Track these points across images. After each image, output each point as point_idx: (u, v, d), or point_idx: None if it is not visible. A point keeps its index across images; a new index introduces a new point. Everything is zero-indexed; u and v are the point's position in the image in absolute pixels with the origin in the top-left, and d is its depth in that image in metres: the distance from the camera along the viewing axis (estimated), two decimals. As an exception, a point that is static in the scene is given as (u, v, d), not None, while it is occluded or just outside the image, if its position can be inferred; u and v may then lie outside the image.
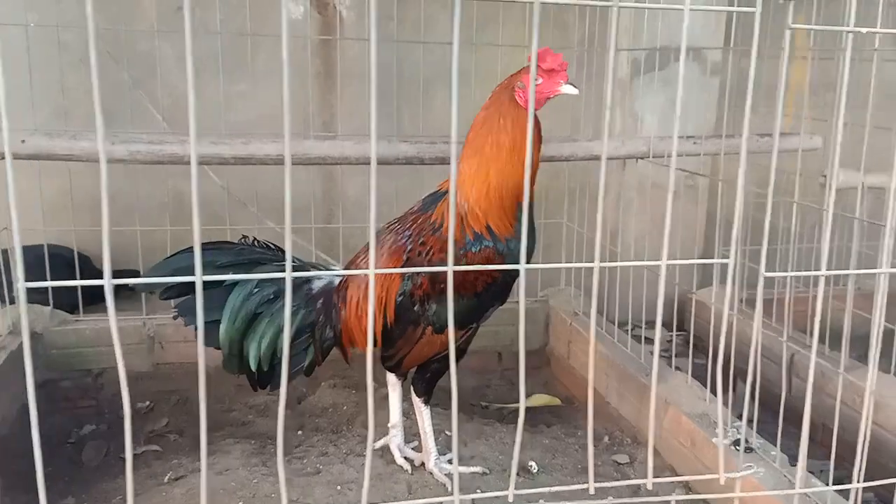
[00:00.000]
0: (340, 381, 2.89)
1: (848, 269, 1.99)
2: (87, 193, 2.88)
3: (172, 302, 1.91)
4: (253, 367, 1.96)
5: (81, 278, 2.76)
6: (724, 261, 0.96)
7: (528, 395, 2.99)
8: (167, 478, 2.17)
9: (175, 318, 1.91)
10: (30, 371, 0.87)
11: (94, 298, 2.86)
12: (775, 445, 2.00)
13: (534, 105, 1.81)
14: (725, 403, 2.25)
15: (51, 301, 2.79)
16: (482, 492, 2.05)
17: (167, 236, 2.77)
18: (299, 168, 2.68)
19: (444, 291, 1.88)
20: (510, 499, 1.04)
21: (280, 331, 1.88)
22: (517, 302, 3.29)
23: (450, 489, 2.03)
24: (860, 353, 2.15)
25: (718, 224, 2.57)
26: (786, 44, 0.96)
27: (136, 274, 2.92)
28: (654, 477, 2.33)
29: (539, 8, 0.85)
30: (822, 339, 2.54)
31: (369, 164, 2.53)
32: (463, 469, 2.13)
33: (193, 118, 0.82)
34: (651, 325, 3.48)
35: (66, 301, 2.87)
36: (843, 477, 1.78)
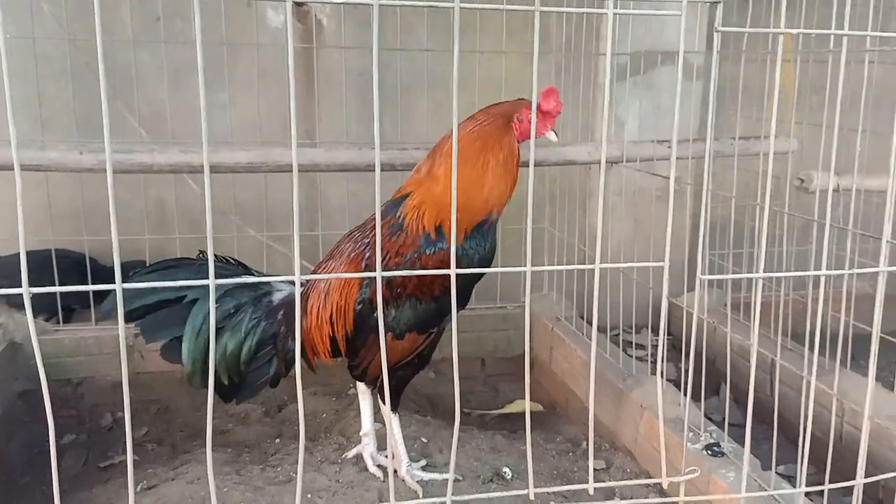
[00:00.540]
0: (322, 388, 2.89)
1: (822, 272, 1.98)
2: (67, 202, 2.91)
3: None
4: (224, 381, 1.96)
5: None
6: (659, 264, 0.96)
7: (509, 401, 3.00)
8: (139, 487, 2.16)
9: (136, 335, 1.92)
10: (43, 376, 0.89)
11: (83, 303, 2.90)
12: (767, 449, 1.99)
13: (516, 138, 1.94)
14: (698, 408, 2.25)
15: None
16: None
17: (146, 245, 2.79)
18: (283, 176, 2.69)
19: (400, 296, 1.89)
20: (531, 496, 1.04)
21: (242, 342, 1.89)
22: (502, 307, 3.26)
23: (421, 496, 2.03)
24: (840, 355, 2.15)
25: (696, 228, 2.57)
26: (715, 46, 0.96)
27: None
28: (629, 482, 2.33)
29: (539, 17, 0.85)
30: (799, 342, 2.54)
31: (340, 170, 2.53)
32: (435, 476, 2.12)
33: (205, 129, 0.83)
34: (636, 329, 3.47)
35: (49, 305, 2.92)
36: (819, 482, 1.78)
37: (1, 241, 2.70)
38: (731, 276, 1.05)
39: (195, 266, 1.95)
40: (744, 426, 2.21)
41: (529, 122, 1.86)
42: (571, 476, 2.32)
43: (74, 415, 2.77)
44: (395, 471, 2.15)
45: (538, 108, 1.89)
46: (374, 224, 1.95)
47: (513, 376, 3.20)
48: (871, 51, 1.67)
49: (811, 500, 1.86)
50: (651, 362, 2.72)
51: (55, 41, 3.02)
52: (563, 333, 3.00)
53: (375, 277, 1.81)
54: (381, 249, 1.88)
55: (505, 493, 1.06)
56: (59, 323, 2.91)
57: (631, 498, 2.17)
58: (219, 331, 1.90)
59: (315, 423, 2.64)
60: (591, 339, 2.84)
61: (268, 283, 1.98)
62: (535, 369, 3.20)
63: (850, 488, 1.46)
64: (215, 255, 2.05)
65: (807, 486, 1.64)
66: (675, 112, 0.95)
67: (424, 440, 2.40)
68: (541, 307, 3.23)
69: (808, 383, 1.75)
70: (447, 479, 2.12)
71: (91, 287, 0.89)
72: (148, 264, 2.07)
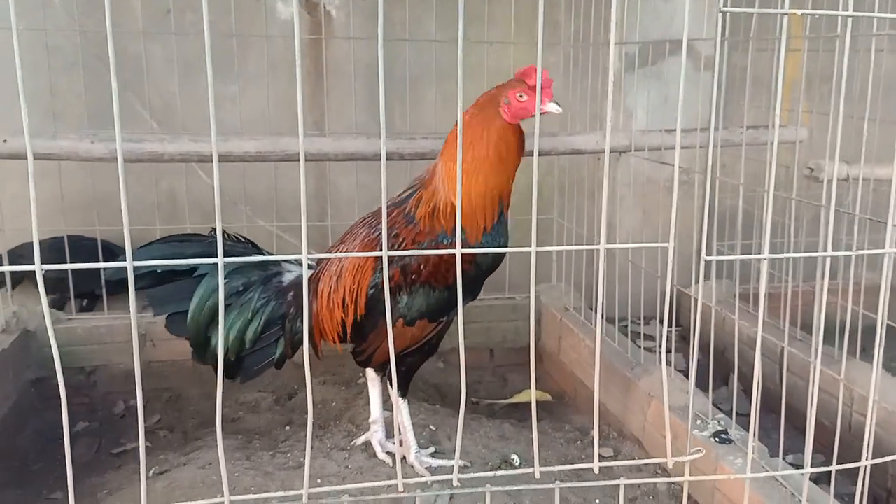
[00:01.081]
0: (331, 377, 2.91)
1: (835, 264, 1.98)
2: (79, 193, 2.93)
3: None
4: (231, 358, 1.98)
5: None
6: (664, 245, 0.96)
7: (518, 391, 3.01)
8: (151, 472, 2.19)
9: (144, 307, 1.94)
10: (57, 360, 0.91)
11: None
12: (776, 439, 1.99)
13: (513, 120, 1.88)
14: (706, 397, 2.25)
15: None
16: (461, 484, 2.06)
17: (157, 235, 2.80)
18: (292, 166, 2.70)
19: (415, 283, 1.90)
20: (536, 474, 1.05)
21: (248, 322, 1.90)
22: (511, 298, 3.27)
23: (430, 482, 2.04)
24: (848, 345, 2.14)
25: (707, 218, 2.56)
26: (718, 28, 0.97)
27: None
28: (637, 469, 2.34)
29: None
30: (809, 333, 2.53)
31: (349, 160, 2.55)
32: (443, 462, 2.14)
33: (213, 114, 0.85)
34: (646, 320, 3.47)
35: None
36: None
37: (15, 231, 2.74)
38: (736, 256, 1.05)
39: (206, 242, 1.97)
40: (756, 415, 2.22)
41: (519, 102, 1.84)
42: (579, 463, 2.33)
43: (87, 402, 2.80)
44: (404, 457, 2.17)
45: (530, 86, 1.84)
46: (388, 210, 1.97)
47: (521, 367, 3.21)
48: (880, 35, 1.66)
49: (819, 488, 1.86)
50: (660, 352, 2.72)
51: (66, 33, 3.05)
52: (572, 323, 3.00)
53: (390, 262, 1.85)
54: (398, 236, 1.89)
55: (511, 472, 1.07)
56: (73, 311, 2.96)
57: (637, 485, 2.18)
58: (227, 307, 1.91)
59: (325, 412, 2.66)
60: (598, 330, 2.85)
61: (278, 264, 1.99)
62: (544, 359, 3.21)
63: (858, 478, 1.46)
64: (226, 233, 2.08)
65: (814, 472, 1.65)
66: (679, 98, 0.96)
67: (433, 428, 2.41)
68: (549, 298, 3.24)
69: (814, 367, 1.75)
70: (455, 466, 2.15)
71: (102, 265, 0.91)
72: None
